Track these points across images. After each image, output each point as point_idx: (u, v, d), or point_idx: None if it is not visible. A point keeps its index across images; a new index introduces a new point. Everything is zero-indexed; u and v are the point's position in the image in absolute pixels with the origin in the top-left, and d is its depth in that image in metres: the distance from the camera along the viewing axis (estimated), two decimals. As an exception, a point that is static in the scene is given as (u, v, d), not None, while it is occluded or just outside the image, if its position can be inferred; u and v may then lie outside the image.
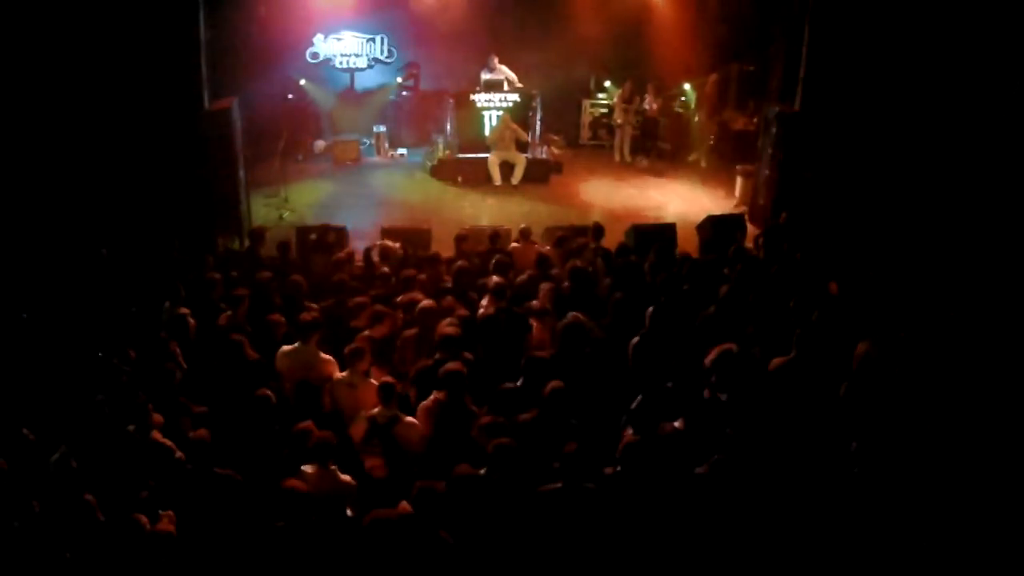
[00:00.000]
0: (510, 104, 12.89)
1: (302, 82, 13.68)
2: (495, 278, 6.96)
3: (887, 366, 5.65)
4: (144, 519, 4.28)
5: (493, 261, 7.42)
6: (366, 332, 6.24)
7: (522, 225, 8.99)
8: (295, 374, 5.86)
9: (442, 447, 5.14)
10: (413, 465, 5.09)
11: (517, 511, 4.46)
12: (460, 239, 8.40)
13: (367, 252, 8.27)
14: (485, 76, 13.18)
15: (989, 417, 5.17)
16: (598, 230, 8.59)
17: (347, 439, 5.29)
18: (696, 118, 13.99)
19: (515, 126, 12.55)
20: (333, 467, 4.83)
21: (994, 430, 5.07)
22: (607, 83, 14.54)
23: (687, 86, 14.10)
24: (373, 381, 5.60)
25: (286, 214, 11.10)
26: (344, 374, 5.77)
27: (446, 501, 4.37)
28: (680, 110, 14.20)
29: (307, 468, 4.76)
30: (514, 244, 8.68)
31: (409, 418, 5.38)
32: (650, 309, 6.12)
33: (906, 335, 6.04)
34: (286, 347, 6.05)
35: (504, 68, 13.23)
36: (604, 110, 14.58)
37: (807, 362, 5.63)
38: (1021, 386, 5.54)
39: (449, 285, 7.28)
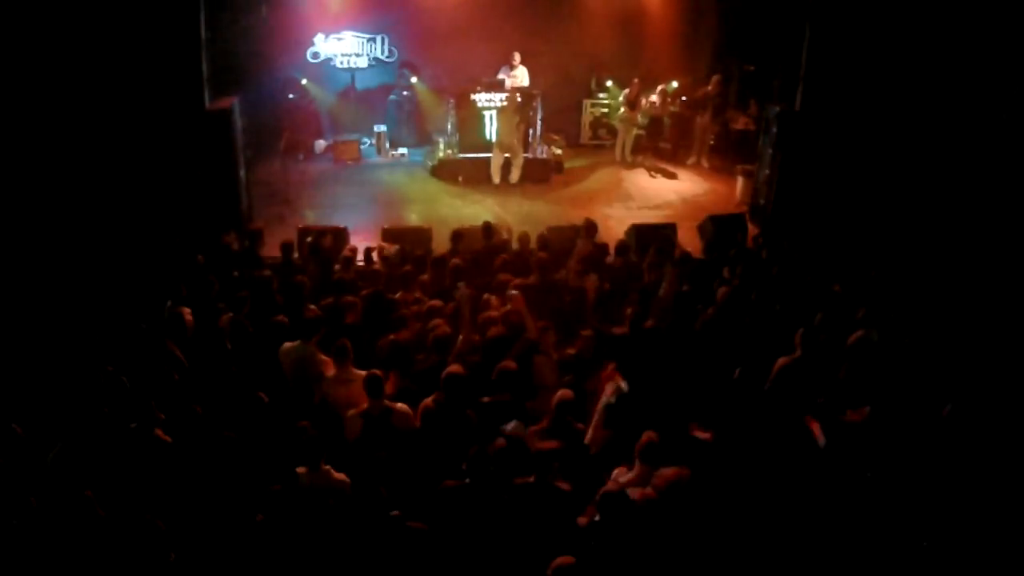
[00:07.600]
0: (511, 104, 12.87)
1: (304, 81, 13.67)
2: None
3: (883, 354, 5.69)
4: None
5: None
6: (391, 336, 6.16)
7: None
8: (294, 371, 5.91)
9: (434, 449, 5.12)
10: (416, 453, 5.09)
11: (496, 506, 4.49)
12: (456, 237, 8.38)
13: (367, 253, 8.29)
14: (501, 75, 13.16)
15: (987, 413, 5.18)
16: (590, 227, 8.60)
17: (342, 437, 5.27)
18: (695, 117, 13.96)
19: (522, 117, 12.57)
20: (326, 467, 4.80)
21: (992, 425, 5.07)
22: (608, 83, 14.53)
23: (675, 83, 14.04)
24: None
25: (287, 214, 11.09)
26: (335, 372, 5.73)
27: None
28: (677, 109, 14.17)
29: (300, 469, 4.75)
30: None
31: (400, 405, 5.34)
32: (628, 310, 6.12)
33: (905, 329, 6.07)
34: (288, 344, 6.05)
35: (522, 69, 13.19)
36: (604, 110, 14.57)
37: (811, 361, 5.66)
38: (1019, 382, 5.56)
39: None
